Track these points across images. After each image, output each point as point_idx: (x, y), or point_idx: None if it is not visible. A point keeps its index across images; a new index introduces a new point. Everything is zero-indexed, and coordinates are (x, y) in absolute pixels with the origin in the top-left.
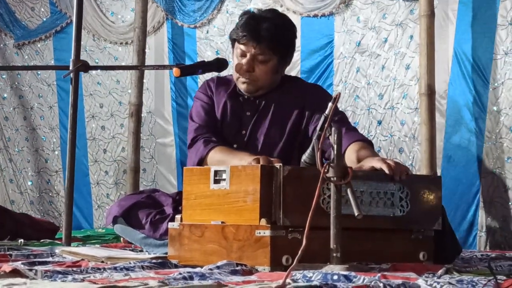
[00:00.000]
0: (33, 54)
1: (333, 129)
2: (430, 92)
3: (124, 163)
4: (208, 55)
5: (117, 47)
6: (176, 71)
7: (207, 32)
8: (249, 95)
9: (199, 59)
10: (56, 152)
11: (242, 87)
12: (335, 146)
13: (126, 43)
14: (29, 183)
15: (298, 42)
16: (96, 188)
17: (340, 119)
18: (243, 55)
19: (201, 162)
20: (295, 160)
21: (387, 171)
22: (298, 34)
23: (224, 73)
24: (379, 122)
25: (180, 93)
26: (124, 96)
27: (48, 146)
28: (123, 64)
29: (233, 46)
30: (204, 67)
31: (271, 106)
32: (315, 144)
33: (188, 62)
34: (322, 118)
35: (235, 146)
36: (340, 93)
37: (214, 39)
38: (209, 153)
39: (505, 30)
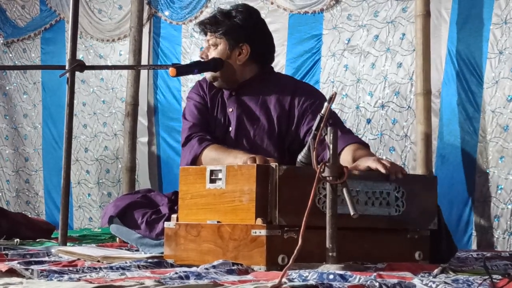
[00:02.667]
0: (20, 51)
1: (329, 129)
2: (426, 92)
3: (107, 162)
4: (193, 52)
5: (102, 45)
6: (172, 70)
7: (193, 29)
8: (214, 83)
9: (183, 57)
10: (38, 151)
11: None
12: (330, 146)
13: (113, 40)
14: (7, 182)
15: (284, 38)
16: (77, 188)
17: (334, 123)
18: None
19: (195, 160)
20: (286, 159)
21: (382, 171)
22: (286, 31)
23: None
24: (368, 121)
25: (162, 91)
26: (108, 94)
27: (29, 145)
28: (108, 62)
29: None
30: (200, 66)
31: (256, 103)
32: (311, 143)
33: (172, 59)
34: (318, 118)
35: (225, 145)
36: (336, 93)
37: (200, 36)
38: (203, 151)
39: (499, 29)
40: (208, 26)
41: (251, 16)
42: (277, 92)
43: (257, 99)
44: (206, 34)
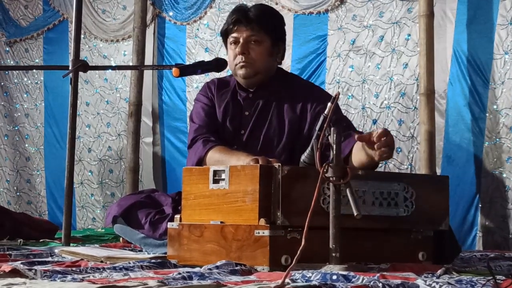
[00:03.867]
0: (22, 51)
1: (332, 129)
2: (430, 92)
3: (111, 162)
4: (198, 53)
5: (106, 45)
6: (175, 71)
7: (197, 29)
8: (247, 81)
9: (188, 57)
10: (40, 151)
11: (240, 72)
12: (334, 146)
13: (117, 40)
14: (6, 182)
15: (290, 39)
16: (79, 188)
17: (347, 125)
18: (236, 42)
19: (200, 162)
20: (296, 163)
21: (374, 136)
22: (291, 31)
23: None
24: (374, 121)
25: (167, 91)
26: (112, 95)
27: (30, 145)
28: (112, 62)
29: (225, 42)
30: (204, 67)
31: (271, 106)
32: (314, 144)
33: (177, 60)
34: (321, 118)
35: (235, 146)
36: (339, 93)
37: (204, 36)
38: (207, 153)
39: (505, 29)
40: (256, 21)
41: (282, 18)
42: (290, 94)
43: (272, 102)
44: (237, 29)
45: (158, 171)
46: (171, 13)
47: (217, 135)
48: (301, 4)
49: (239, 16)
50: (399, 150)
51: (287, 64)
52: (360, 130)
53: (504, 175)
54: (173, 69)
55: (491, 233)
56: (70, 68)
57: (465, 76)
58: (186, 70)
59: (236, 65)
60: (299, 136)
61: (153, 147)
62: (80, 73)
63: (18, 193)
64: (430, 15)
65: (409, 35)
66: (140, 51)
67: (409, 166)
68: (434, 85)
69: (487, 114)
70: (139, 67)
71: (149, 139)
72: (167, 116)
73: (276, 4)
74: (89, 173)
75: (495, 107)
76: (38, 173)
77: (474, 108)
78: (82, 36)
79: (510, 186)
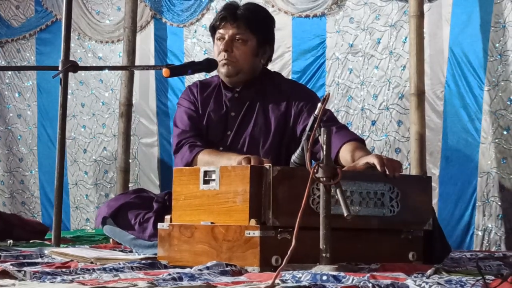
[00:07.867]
0: (14, 52)
1: (322, 129)
2: (420, 93)
3: (106, 163)
4: (196, 55)
5: (101, 46)
6: (165, 71)
7: (195, 31)
8: (230, 79)
9: (186, 59)
10: (33, 152)
11: (222, 70)
12: (324, 147)
13: (112, 41)
14: (0, 183)
15: (289, 42)
16: (74, 189)
17: (328, 118)
18: (221, 38)
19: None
20: (283, 159)
21: (378, 167)
22: (290, 34)
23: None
24: (373, 123)
25: (165, 92)
26: (107, 96)
27: (23, 145)
28: (107, 63)
29: (213, 38)
30: (194, 67)
31: (256, 106)
32: (305, 144)
33: (175, 61)
34: (312, 119)
35: (220, 148)
36: (329, 94)
37: (202, 38)
38: (195, 157)
39: (499, 31)
40: (243, 20)
41: (272, 19)
42: (275, 93)
43: (257, 101)
44: (224, 25)
45: (155, 172)
46: (168, 15)
47: (201, 138)
48: (298, 7)
49: (227, 13)
50: (398, 151)
51: (287, 67)
52: (359, 132)
53: (500, 175)
54: (163, 69)
55: (487, 232)
56: (60, 68)
57: (461, 78)
58: (177, 71)
59: (220, 61)
60: (284, 133)
61: (151, 148)
62: (76, 74)
63: (12, 194)
64: (420, 16)
65: (406, 37)
66: (131, 52)
67: (408, 166)
68: (425, 86)
69: (482, 115)
70: (129, 68)
71: (147, 140)
72: (166, 117)
73: (273, 6)
74: (84, 174)
75: (490, 108)
76: (31, 173)
77: (470, 109)
78: (76, 37)
79: (505, 185)
